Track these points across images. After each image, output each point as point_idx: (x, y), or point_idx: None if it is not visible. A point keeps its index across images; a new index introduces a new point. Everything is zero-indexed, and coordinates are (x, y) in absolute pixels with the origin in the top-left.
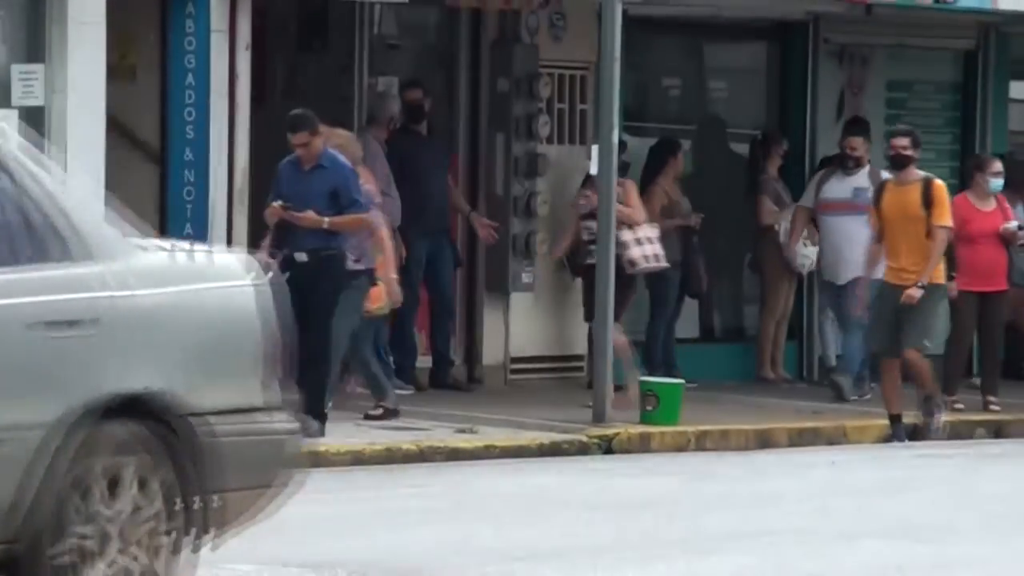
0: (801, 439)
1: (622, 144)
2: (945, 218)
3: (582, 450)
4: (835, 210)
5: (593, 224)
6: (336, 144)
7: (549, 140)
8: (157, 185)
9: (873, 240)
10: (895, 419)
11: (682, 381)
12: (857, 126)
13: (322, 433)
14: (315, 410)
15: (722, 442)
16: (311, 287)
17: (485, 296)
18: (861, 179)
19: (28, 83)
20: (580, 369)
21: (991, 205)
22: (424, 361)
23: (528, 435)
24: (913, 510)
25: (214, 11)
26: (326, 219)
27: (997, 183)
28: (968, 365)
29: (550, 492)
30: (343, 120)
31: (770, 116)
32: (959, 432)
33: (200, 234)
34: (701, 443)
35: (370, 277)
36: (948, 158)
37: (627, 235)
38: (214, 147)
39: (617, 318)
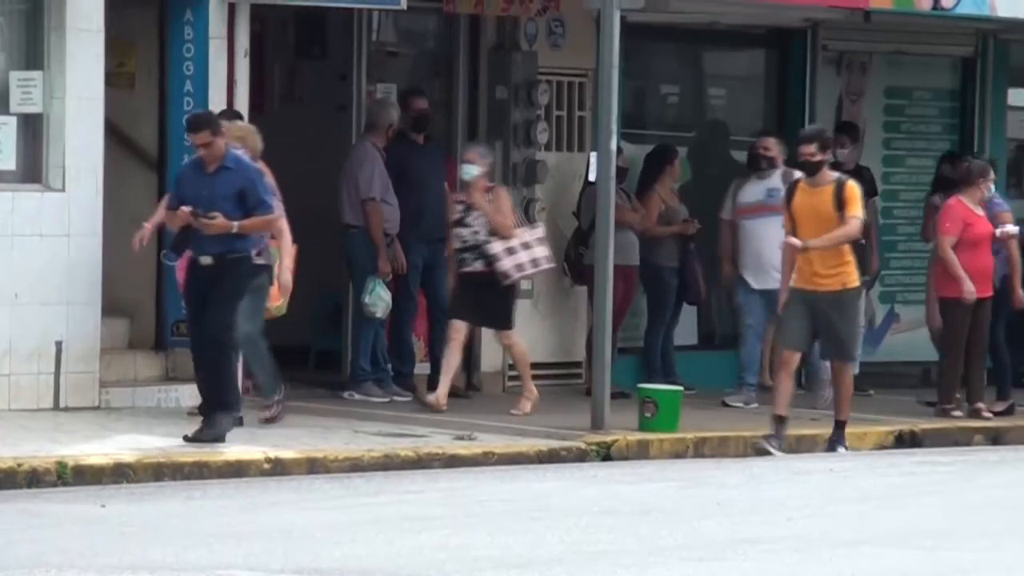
0: (799, 446)
1: (619, 150)
2: (856, 210)
3: (580, 457)
4: (751, 213)
5: (464, 231)
6: (236, 136)
7: (548, 147)
8: (155, 192)
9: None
10: (779, 420)
11: (681, 388)
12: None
13: (240, 423)
14: (223, 405)
15: (720, 449)
16: (213, 284)
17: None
18: (775, 180)
19: (27, 90)
20: (579, 376)
21: (981, 210)
22: (422, 368)
23: (526, 442)
24: (911, 517)
25: (212, 18)
26: (235, 224)
27: (991, 189)
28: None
29: (548, 499)
30: (342, 127)
31: (768, 123)
32: (957, 439)
33: None
34: (699, 450)
35: (271, 274)
36: None
37: (497, 246)
38: None
39: (510, 326)
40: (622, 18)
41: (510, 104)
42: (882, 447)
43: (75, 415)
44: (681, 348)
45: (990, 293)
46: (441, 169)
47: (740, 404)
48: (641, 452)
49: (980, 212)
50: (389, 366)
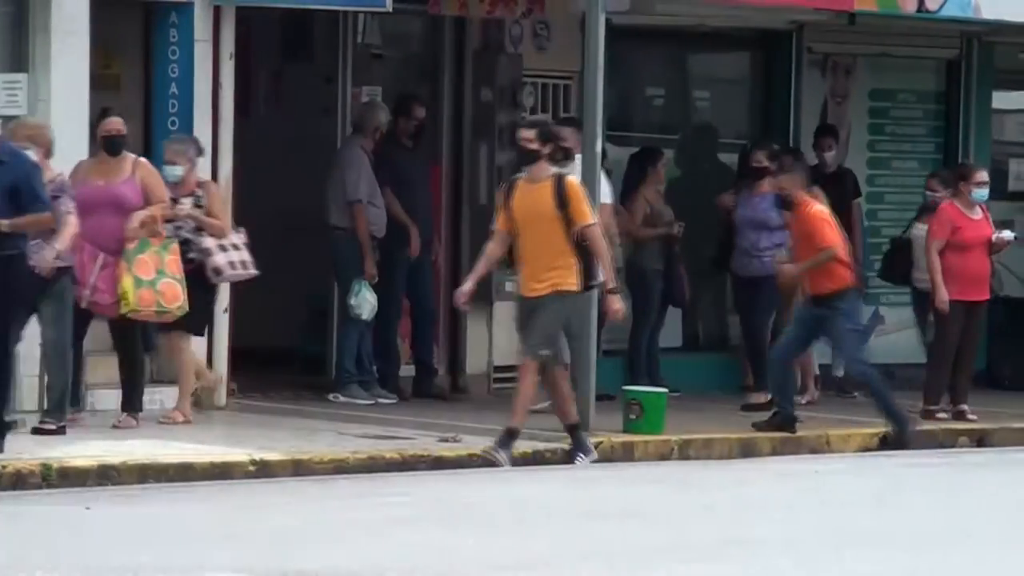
0: (784, 448)
1: (603, 153)
2: (587, 216)
3: (566, 459)
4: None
5: (168, 225)
6: (27, 135)
7: None
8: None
9: (496, 239)
10: (572, 428)
11: (666, 390)
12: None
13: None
14: None
15: (705, 451)
16: None
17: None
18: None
19: (12, 92)
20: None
21: (979, 213)
22: (407, 370)
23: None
24: (896, 519)
25: (198, 21)
26: (5, 222)
27: (981, 193)
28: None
29: (534, 501)
30: (328, 130)
31: (753, 125)
32: (942, 441)
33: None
34: (685, 452)
35: (73, 276)
36: (931, 167)
37: (209, 241)
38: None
39: (200, 331)
40: (607, 20)
41: (495, 106)
42: (866, 449)
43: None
44: (666, 350)
45: (984, 297)
46: (427, 173)
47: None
48: (626, 454)
49: (975, 216)
50: (375, 368)
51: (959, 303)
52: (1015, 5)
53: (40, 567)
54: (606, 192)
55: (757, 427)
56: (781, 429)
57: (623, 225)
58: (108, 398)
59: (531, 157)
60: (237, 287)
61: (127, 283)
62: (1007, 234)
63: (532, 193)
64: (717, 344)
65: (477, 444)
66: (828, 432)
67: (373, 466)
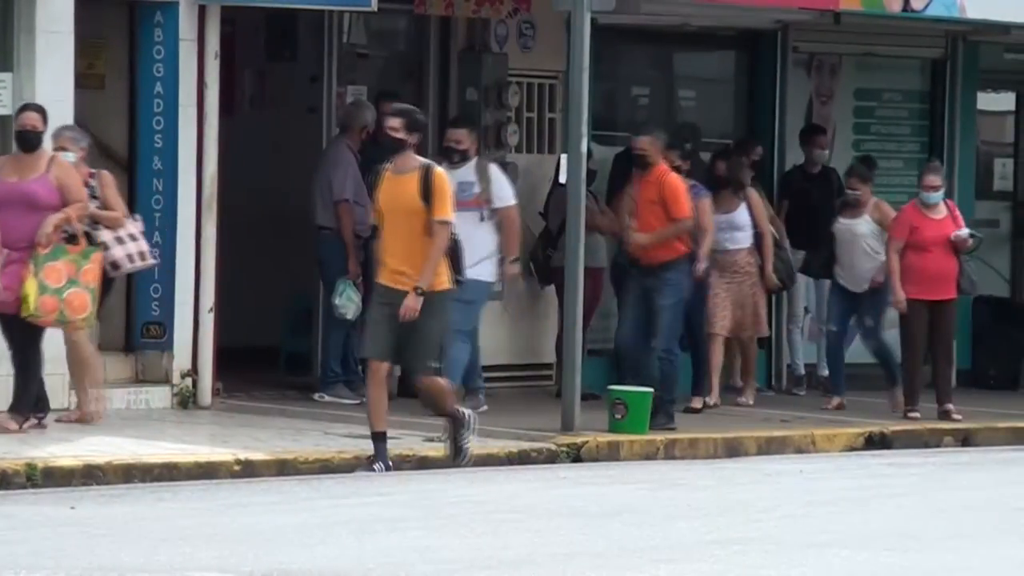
0: (770, 447)
1: (589, 152)
2: (446, 212)
3: (551, 458)
4: None
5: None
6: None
7: (518, 149)
8: (126, 194)
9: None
10: (378, 437)
11: (651, 390)
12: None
13: None
14: None
15: (691, 450)
16: None
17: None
18: (467, 173)
19: None
20: (549, 378)
21: (941, 213)
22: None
23: (497, 443)
24: (881, 518)
25: (183, 20)
26: None
27: (929, 196)
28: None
29: (518, 500)
30: (313, 129)
31: (738, 124)
32: (927, 441)
33: (169, 242)
34: (670, 451)
35: None
36: (916, 167)
37: (106, 234)
38: (183, 156)
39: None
40: (592, 20)
41: (480, 106)
42: (852, 449)
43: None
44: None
45: (946, 296)
46: None
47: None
48: (611, 454)
49: (935, 215)
50: (360, 368)
51: (922, 303)
52: (1000, 5)
53: (25, 567)
54: (509, 194)
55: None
56: (665, 425)
57: (608, 225)
58: (108, 395)
59: (397, 147)
60: (222, 288)
61: (30, 287)
62: (963, 232)
63: (398, 184)
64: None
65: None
66: (813, 432)
67: (358, 466)
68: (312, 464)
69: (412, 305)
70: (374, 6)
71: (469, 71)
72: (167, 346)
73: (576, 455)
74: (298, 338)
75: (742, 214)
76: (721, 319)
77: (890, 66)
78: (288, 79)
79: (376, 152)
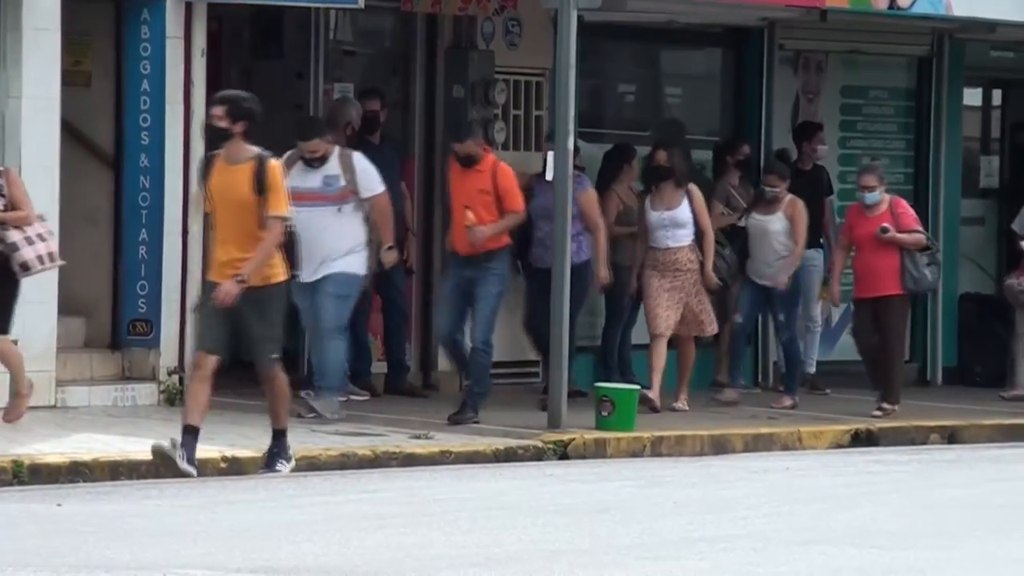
0: (756, 444)
1: (576, 149)
2: (280, 207)
3: (537, 455)
4: (302, 201)
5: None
6: None
7: (505, 146)
8: (112, 191)
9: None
10: (189, 430)
11: (638, 387)
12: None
13: None
14: None
15: (677, 448)
16: None
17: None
18: (332, 166)
19: None
20: (536, 375)
21: (879, 210)
22: (379, 367)
23: (483, 440)
24: (867, 515)
25: (169, 18)
26: None
27: (865, 196)
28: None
29: (505, 498)
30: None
31: (725, 122)
32: (913, 438)
33: (155, 239)
34: (656, 449)
35: None
36: (902, 164)
37: (15, 235)
38: (170, 153)
39: (6, 330)
40: (579, 17)
41: (467, 103)
42: (838, 446)
43: (31, 414)
44: (638, 347)
45: (882, 292)
46: (397, 169)
47: (334, 416)
48: (598, 451)
49: (873, 213)
50: (347, 365)
51: (864, 301)
52: (985, 2)
53: (11, 564)
54: (376, 182)
55: (452, 420)
56: (471, 419)
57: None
58: (79, 395)
59: (221, 135)
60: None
61: None
62: (882, 227)
63: (230, 174)
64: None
65: (449, 441)
66: (800, 429)
67: (345, 463)
68: (299, 461)
69: (229, 289)
70: (361, 3)
71: (456, 68)
72: (154, 343)
73: (563, 452)
74: (285, 336)
75: (684, 211)
76: (664, 319)
77: (876, 64)
78: (275, 76)
79: (359, 148)
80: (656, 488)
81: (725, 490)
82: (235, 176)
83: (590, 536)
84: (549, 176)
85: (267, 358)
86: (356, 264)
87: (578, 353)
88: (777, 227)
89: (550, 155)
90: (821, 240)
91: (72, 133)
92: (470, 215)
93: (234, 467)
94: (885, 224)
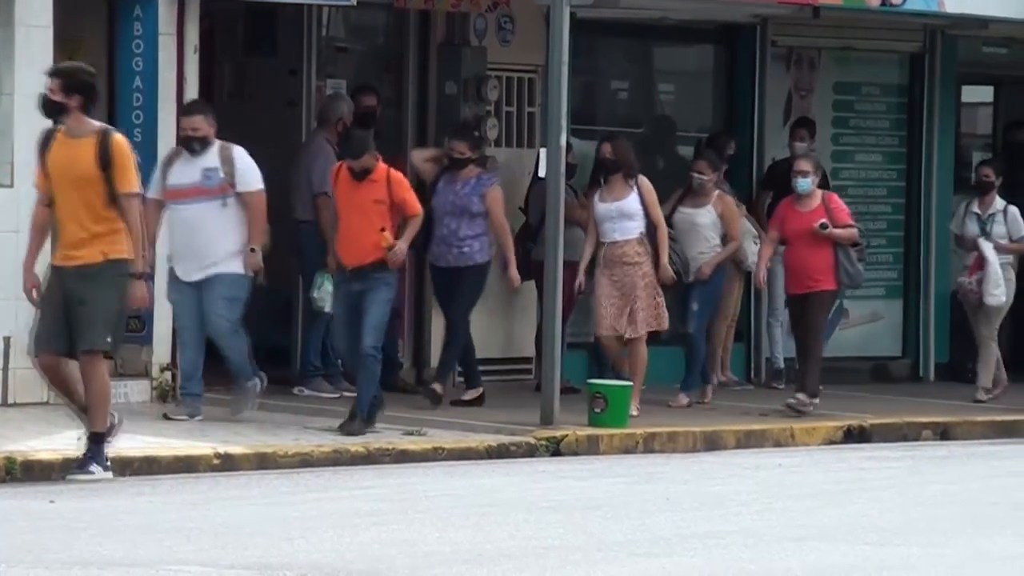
0: (749, 441)
1: (568, 146)
2: (131, 183)
3: (530, 452)
4: (183, 197)
5: None
6: None
7: (497, 143)
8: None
9: (39, 202)
10: (97, 437)
11: (631, 383)
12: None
13: None
14: None
15: (670, 444)
16: None
17: (434, 299)
18: (211, 159)
19: None
20: (528, 372)
21: (812, 205)
22: None
23: (476, 437)
24: (860, 512)
25: (162, 14)
26: None
27: (799, 183)
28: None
29: (498, 494)
30: (292, 123)
31: (717, 119)
32: (905, 434)
33: None
34: (649, 445)
35: None
36: (895, 161)
37: None
38: (162, 150)
39: None
40: (572, 14)
41: (460, 100)
42: (831, 442)
43: (23, 411)
44: None
45: (809, 289)
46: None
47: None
48: (591, 447)
49: (805, 208)
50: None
51: (795, 296)
52: None
53: (3, 561)
54: (254, 179)
55: (343, 429)
56: (368, 423)
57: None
58: None
59: (56, 110)
60: None
61: None
62: (821, 223)
63: (71, 149)
64: (682, 337)
65: (442, 437)
66: (792, 425)
67: (338, 459)
68: (292, 458)
69: (141, 295)
70: (353, 0)
71: (448, 65)
72: (146, 340)
73: (556, 449)
74: (277, 332)
75: (632, 202)
76: (609, 319)
77: (869, 60)
78: (267, 73)
79: (346, 145)
80: (648, 484)
81: (717, 486)
82: (76, 151)
83: (582, 532)
84: (542, 173)
85: (87, 347)
86: (243, 264)
87: (570, 350)
88: (705, 221)
89: (542, 152)
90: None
91: None
92: (388, 236)
93: (227, 463)
94: (824, 220)
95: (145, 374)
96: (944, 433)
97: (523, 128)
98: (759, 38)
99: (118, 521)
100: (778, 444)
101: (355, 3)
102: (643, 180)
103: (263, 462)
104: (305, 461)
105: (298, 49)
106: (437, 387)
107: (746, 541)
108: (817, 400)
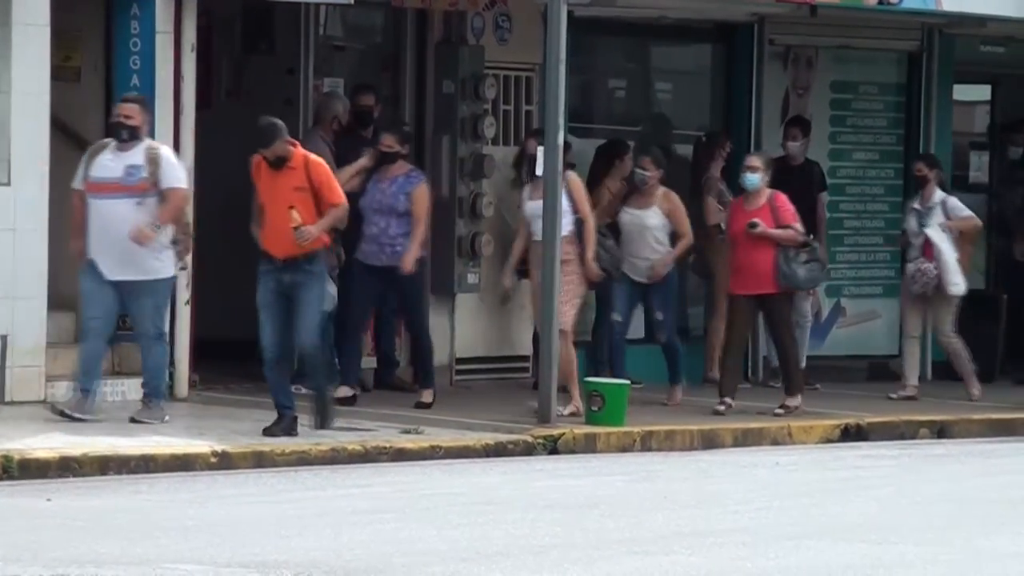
0: (746, 439)
1: (566, 145)
2: None
3: (527, 451)
4: (104, 192)
5: None
6: None
7: (494, 141)
8: None
9: None
10: None
11: (628, 382)
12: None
13: None
14: None
15: (667, 442)
16: None
17: (431, 297)
18: (137, 156)
19: None
20: (526, 370)
21: (758, 204)
22: (369, 362)
23: (473, 436)
24: (856, 510)
25: (159, 13)
26: None
27: (747, 178)
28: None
29: (495, 492)
30: (289, 121)
31: (715, 117)
32: (903, 433)
33: None
34: (646, 443)
35: None
36: (892, 159)
37: None
38: None
39: None
40: (569, 12)
41: (457, 98)
42: (828, 440)
43: (21, 409)
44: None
45: (757, 291)
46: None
47: (156, 420)
48: (588, 446)
49: (751, 207)
50: (336, 359)
51: (743, 297)
52: None
53: (1, 559)
54: (180, 176)
55: (268, 431)
56: (288, 432)
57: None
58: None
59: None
60: (198, 280)
61: None
62: (751, 222)
63: None
64: (679, 336)
65: (439, 436)
66: (790, 424)
67: (335, 458)
68: (289, 456)
69: None
70: None
71: (446, 64)
72: None
73: (553, 447)
74: None
75: (561, 200)
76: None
77: (866, 59)
78: (265, 72)
79: (349, 142)
80: (646, 483)
81: (715, 485)
82: None
83: (580, 531)
84: (539, 172)
85: None
86: (166, 267)
87: None
88: (655, 222)
89: (539, 150)
90: (811, 236)
91: (61, 128)
92: (296, 215)
93: (224, 461)
94: (755, 219)
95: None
96: (941, 432)
97: (520, 127)
98: (756, 37)
99: (115, 519)
100: (775, 443)
101: (352, 2)
102: (571, 176)
103: (260, 460)
104: (303, 459)
105: (295, 48)
106: (426, 396)
107: (743, 539)
108: (802, 395)
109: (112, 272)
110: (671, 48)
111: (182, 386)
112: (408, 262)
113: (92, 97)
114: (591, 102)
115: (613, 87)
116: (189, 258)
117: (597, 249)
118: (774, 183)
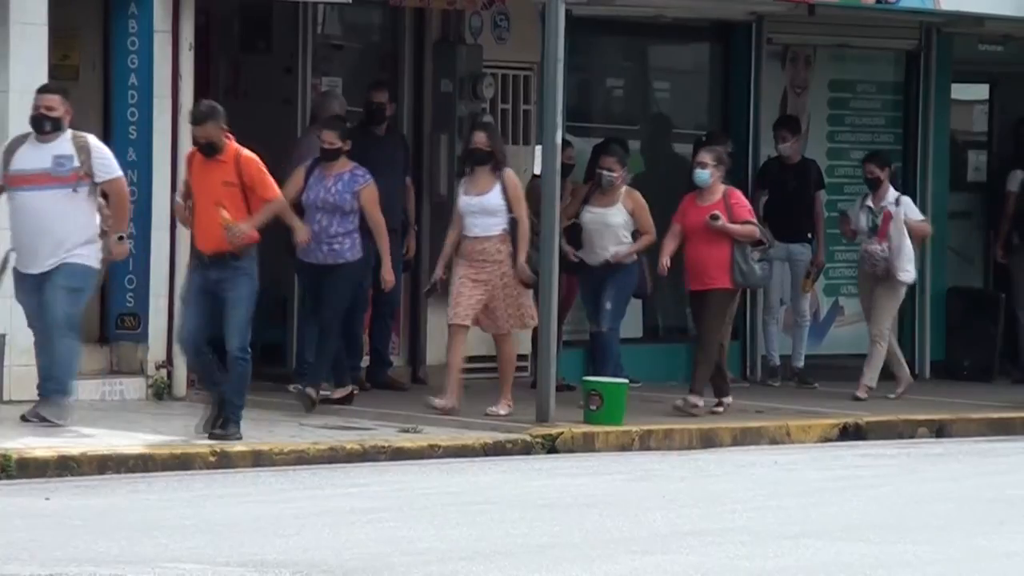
0: (744, 438)
1: (567, 143)
2: None
3: (526, 450)
4: (30, 184)
5: None
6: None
7: None
8: None
9: None
10: None
11: (626, 381)
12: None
13: None
14: None
15: (666, 441)
16: None
17: (430, 298)
18: (63, 145)
19: None
20: (524, 369)
21: (712, 199)
22: (365, 361)
23: (472, 435)
24: (855, 509)
25: (157, 11)
26: None
27: (699, 174)
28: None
29: (494, 491)
30: (287, 121)
31: (713, 116)
32: (901, 432)
33: (143, 234)
34: (645, 442)
35: None
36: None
37: None
38: (157, 147)
39: None
40: (567, 11)
41: (455, 97)
42: (827, 440)
43: (19, 408)
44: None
45: (702, 286)
46: (398, 162)
47: (61, 421)
48: (587, 445)
49: (705, 202)
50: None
51: (693, 293)
52: None
53: None
54: (113, 166)
55: (210, 434)
56: (234, 434)
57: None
58: (82, 387)
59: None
60: None
61: None
62: (712, 214)
63: None
64: (677, 335)
65: (437, 435)
66: (788, 423)
67: (334, 457)
68: (287, 455)
69: None
70: None
71: (444, 63)
72: (142, 337)
73: (551, 446)
74: (272, 329)
75: (494, 197)
76: (464, 308)
77: (864, 58)
78: (262, 71)
79: (359, 139)
80: (644, 482)
81: (713, 484)
82: None
83: (578, 530)
84: (537, 171)
85: None
86: (91, 256)
87: (566, 347)
88: (618, 220)
89: (538, 149)
90: (809, 235)
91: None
92: (225, 213)
93: (223, 461)
94: (716, 212)
95: (140, 372)
96: (940, 431)
97: (519, 126)
98: (755, 36)
99: (113, 519)
100: (774, 442)
101: (351, 1)
102: (508, 174)
103: (259, 460)
104: (301, 459)
105: (293, 47)
106: (311, 391)
107: (742, 538)
108: (729, 400)
109: (35, 265)
110: (669, 47)
111: (180, 385)
112: (388, 280)
113: (90, 96)
114: (589, 101)
115: (611, 86)
116: (125, 250)
117: (531, 251)
118: (774, 183)
